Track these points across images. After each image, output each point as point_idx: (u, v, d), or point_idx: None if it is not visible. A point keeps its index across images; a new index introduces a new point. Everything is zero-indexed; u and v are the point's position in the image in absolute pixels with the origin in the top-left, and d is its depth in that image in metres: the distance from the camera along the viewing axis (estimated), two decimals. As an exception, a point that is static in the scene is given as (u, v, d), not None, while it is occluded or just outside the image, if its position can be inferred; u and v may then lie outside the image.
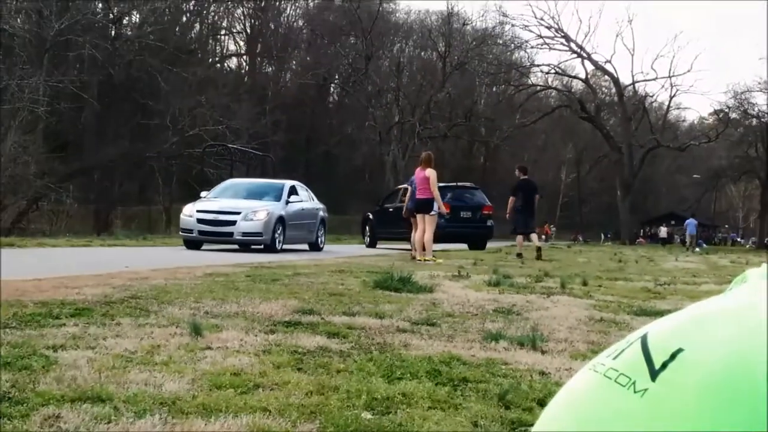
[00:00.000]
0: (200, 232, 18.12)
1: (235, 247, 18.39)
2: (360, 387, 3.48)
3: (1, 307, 5.32)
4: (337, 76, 50.28)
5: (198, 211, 18.26)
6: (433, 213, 14.37)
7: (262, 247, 18.24)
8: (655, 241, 58.54)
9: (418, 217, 14.40)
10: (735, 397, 0.79)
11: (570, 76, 54.95)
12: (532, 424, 2.86)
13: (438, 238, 16.54)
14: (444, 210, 15.48)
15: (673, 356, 0.89)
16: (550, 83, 55.20)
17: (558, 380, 3.88)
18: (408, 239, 16.52)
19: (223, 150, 29.25)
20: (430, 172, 14.38)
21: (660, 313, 6.82)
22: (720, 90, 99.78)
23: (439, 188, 14.91)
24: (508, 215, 17.84)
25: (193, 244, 18.31)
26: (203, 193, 20.86)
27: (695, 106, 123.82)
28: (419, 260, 14.00)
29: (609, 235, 64.29)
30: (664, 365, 0.89)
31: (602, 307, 7.30)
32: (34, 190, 27.36)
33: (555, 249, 29.80)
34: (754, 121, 50.97)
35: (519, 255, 17.35)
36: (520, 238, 18.31)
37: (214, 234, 18.13)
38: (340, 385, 3.53)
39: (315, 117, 44.22)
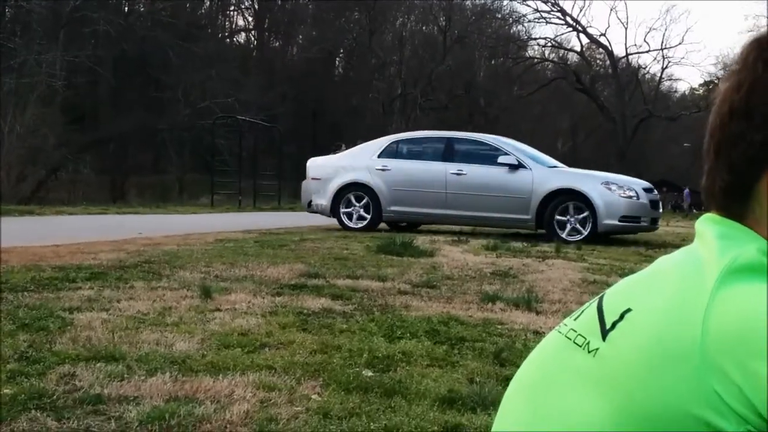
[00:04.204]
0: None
1: (245, 212, 18.47)
2: (362, 346, 3.64)
3: (13, 272, 5.50)
4: (341, 50, 50.46)
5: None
6: None
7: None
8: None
9: None
10: (671, 357, 0.89)
11: (566, 49, 55.18)
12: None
13: None
14: None
15: (622, 316, 0.99)
16: (546, 56, 55.54)
17: (552, 339, 4.03)
18: None
19: (233, 122, 29.34)
20: None
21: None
22: (710, 62, 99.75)
23: None
24: None
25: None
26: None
27: (686, 78, 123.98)
28: None
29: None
30: (613, 325, 0.99)
31: (595, 270, 7.45)
32: (52, 161, 27.68)
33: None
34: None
35: None
36: None
37: None
38: (343, 344, 3.69)
39: (321, 89, 44.27)
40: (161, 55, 36.06)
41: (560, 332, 1.09)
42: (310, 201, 13.03)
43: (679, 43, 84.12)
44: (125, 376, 3.05)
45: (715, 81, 52.73)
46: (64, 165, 29.18)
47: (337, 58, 51.46)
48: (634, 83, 53.03)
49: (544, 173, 11.83)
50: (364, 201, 12.45)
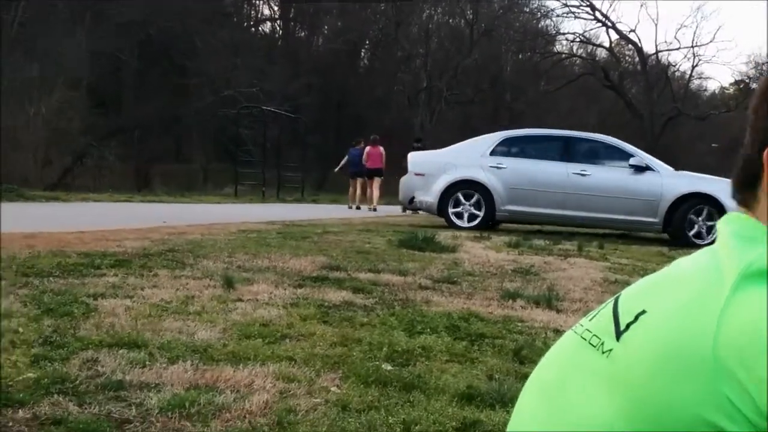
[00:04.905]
0: None
1: (268, 203, 18.57)
2: (382, 340, 3.65)
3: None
4: (367, 42, 50.44)
5: None
6: (382, 177, 20.05)
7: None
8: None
9: (375, 179, 19.88)
10: (684, 361, 0.89)
11: (594, 45, 54.72)
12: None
13: None
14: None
15: (636, 317, 0.99)
16: (574, 51, 55.15)
17: (572, 338, 4.03)
18: None
19: (257, 112, 29.41)
20: (382, 150, 20.03)
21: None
22: (741, 61, 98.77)
23: None
24: None
25: None
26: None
27: (717, 76, 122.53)
28: (372, 208, 19.46)
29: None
30: (627, 326, 0.99)
31: (617, 270, 7.41)
32: (78, 146, 27.90)
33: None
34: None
35: None
36: None
37: None
38: (363, 337, 3.71)
39: (346, 81, 44.27)
40: (186, 42, 36.18)
41: (576, 332, 1.09)
42: (412, 198, 12.55)
43: (710, 41, 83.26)
44: (147, 363, 3.08)
45: (746, 80, 52.27)
46: (89, 152, 29.39)
47: (363, 50, 51.45)
48: (663, 81, 52.57)
49: (673, 176, 11.74)
50: (475, 199, 12.07)
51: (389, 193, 26.92)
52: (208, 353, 3.28)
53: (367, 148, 20.15)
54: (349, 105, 43.46)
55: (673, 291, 0.97)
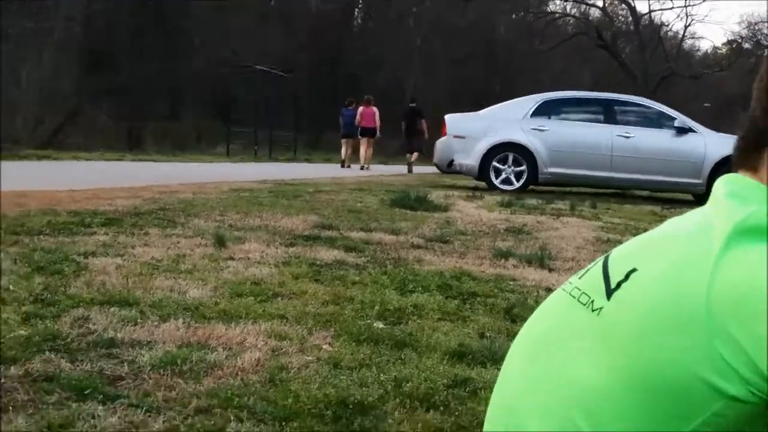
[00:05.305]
0: None
1: (261, 162, 18.55)
2: (374, 298, 3.65)
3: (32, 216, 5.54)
4: (360, 1, 50.08)
5: None
6: (377, 136, 20.62)
7: None
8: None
9: (366, 139, 20.23)
10: (676, 319, 0.88)
11: (587, 4, 54.39)
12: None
13: None
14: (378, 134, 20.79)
15: (627, 276, 0.99)
16: (568, 11, 54.89)
17: (564, 297, 4.04)
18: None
19: (250, 71, 29.22)
20: (376, 110, 20.24)
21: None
22: (734, 20, 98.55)
23: None
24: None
25: None
26: None
27: (709, 36, 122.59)
28: (365, 167, 19.80)
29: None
30: (618, 284, 0.99)
31: (609, 229, 7.43)
32: (70, 105, 27.67)
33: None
34: (766, 52, 51.09)
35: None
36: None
37: None
38: (355, 296, 3.71)
39: (339, 41, 43.93)
40: (181, 3, 35.86)
41: (565, 290, 1.09)
42: (452, 160, 12.37)
43: (703, 1, 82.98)
44: (138, 321, 3.08)
45: (738, 40, 52.13)
46: (81, 111, 29.18)
47: (356, 9, 51.05)
48: (656, 40, 52.41)
49: (715, 138, 11.75)
50: (517, 161, 12.03)
51: (386, 154, 26.98)
52: (200, 311, 3.28)
53: (361, 108, 20.44)
54: (343, 65, 43.15)
55: (665, 249, 0.97)
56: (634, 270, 0.98)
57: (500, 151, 12.03)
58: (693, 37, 71.63)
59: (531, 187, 12.10)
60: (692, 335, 0.86)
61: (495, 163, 12.05)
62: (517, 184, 11.95)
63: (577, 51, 51.98)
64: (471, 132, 12.26)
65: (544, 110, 12.33)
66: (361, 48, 44.38)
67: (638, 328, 0.92)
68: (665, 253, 0.96)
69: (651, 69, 49.85)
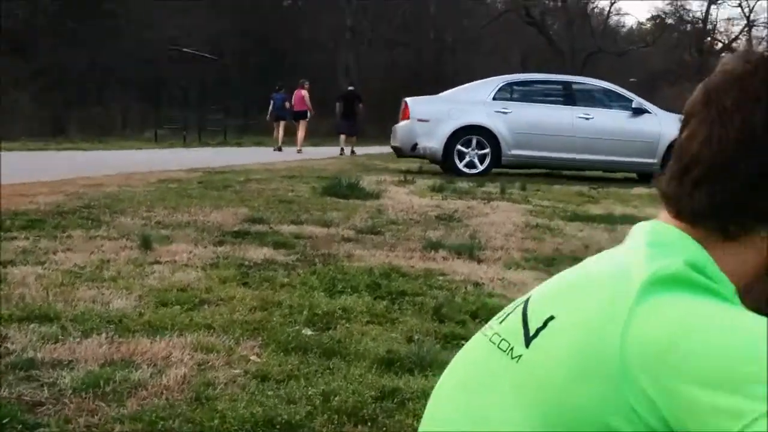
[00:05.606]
0: None
1: (190, 148, 18.27)
2: (302, 302, 3.63)
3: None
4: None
5: None
6: (307, 119, 21.43)
7: None
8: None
9: (300, 122, 21.23)
10: (590, 369, 0.88)
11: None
12: (464, 338, 3.04)
13: None
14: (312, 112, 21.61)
15: (545, 323, 0.98)
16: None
17: (491, 291, 4.08)
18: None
19: (179, 54, 28.68)
20: (305, 93, 21.08)
21: (592, 219, 7.06)
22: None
23: None
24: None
25: None
26: None
27: (634, 12, 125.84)
28: (299, 150, 20.64)
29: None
30: (537, 332, 0.98)
31: (538, 213, 7.54)
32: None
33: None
34: (689, 27, 52.80)
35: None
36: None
37: None
38: (284, 300, 3.68)
39: (269, 21, 43.44)
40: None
41: (486, 335, 1.08)
42: (415, 144, 12.25)
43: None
44: (60, 337, 2.99)
45: (662, 15, 53.36)
46: (1, 97, 28.29)
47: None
48: (583, 17, 53.29)
49: (669, 118, 11.91)
50: (481, 144, 12.02)
51: (318, 135, 26.98)
52: (124, 324, 3.21)
53: (295, 92, 21.39)
54: (272, 45, 42.73)
55: (582, 297, 0.96)
56: (552, 318, 0.98)
57: (464, 134, 12.04)
58: (618, 14, 72.89)
59: (494, 169, 12.21)
60: (605, 386, 0.86)
61: (459, 147, 12.06)
62: (480, 168, 12.01)
63: (506, 27, 52.42)
64: (434, 115, 12.24)
65: (505, 92, 12.45)
66: (292, 29, 43.99)
67: (554, 377, 0.92)
68: (583, 301, 0.96)
69: (578, 45, 50.67)
